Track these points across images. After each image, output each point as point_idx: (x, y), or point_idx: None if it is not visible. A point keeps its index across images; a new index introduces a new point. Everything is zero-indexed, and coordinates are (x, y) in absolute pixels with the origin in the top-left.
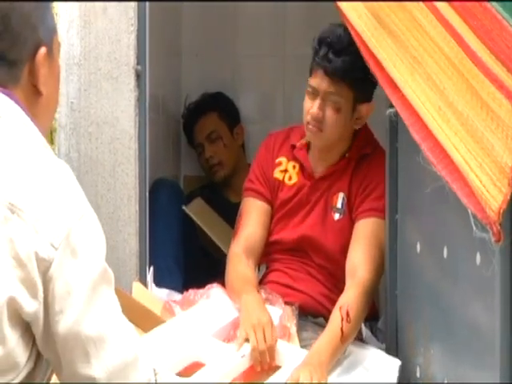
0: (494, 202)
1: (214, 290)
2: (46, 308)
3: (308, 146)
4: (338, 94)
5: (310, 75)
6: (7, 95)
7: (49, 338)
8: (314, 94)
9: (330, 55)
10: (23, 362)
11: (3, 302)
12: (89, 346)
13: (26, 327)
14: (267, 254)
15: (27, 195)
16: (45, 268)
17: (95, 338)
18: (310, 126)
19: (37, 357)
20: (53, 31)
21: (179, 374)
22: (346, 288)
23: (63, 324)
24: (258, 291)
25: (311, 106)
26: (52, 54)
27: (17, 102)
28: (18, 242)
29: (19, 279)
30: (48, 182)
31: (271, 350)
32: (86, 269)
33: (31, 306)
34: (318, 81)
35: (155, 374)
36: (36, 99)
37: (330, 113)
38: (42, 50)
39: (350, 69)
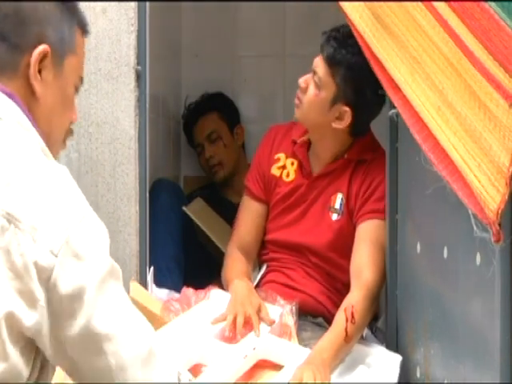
0: (493, 202)
1: (214, 291)
2: (54, 316)
3: (309, 143)
4: (323, 74)
5: None
6: (9, 96)
7: (59, 345)
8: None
9: (331, 41)
10: (27, 374)
11: (1, 317)
12: (103, 343)
13: (27, 339)
14: (265, 253)
15: (24, 204)
16: (46, 276)
17: (109, 335)
18: (295, 99)
19: (41, 368)
20: (66, 45)
21: None
22: (351, 289)
23: (76, 326)
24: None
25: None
26: (61, 69)
27: (18, 103)
28: (14, 252)
29: (17, 291)
30: (45, 190)
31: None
32: (92, 269)
33: (30, 319)
34: (317, 59)
35: (178, 375)
36: (33, 98)
37: (311, 88)
38: (42, 47)
39: (338, 61)
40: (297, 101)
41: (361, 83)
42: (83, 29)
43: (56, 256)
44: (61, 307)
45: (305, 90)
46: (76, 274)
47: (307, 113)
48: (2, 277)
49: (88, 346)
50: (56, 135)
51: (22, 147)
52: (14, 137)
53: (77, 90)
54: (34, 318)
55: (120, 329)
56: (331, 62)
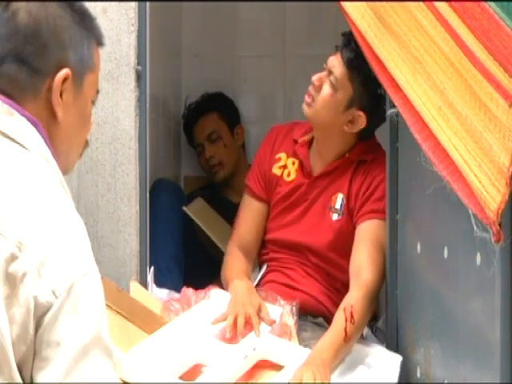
0: (493, 202)
1: (214, 291)
2: (34, 353)
3: (310, 143)
4: (340, 75)
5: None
6: (34, 125)
7: None
8: (325, 69)
9: (351, 44)
10: None
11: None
12: None
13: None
14: (265, 253)
15: (37, 238)
16: (41, 313)
17: None
18: (306, 96)
19: None
20: (86, 66)
21: (181, 377)
22: (350, 289)
23: (45, 374)
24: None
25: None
26: (81, 89)
27: (41, 133)
28: (18, 281)
29: (12, 321)
30: (61, 230)
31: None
32: (81, 327)
33: (19, 350)
34: (333, 58)
35: None
36: (54, 121)
37: (326, 87)
38: (64, 71)
39: (358, 65)
40: (308, 99)
41: (378, 89)
42: (99, 41)
43: (57, 297)
44: (40, 347)
45: (318, 89)
46: (65, 326)
47: (320, 112)
48: (5, 305)
49: None
50: (74, 153)
51: (44, 181)
52: (37, 169)
53: (93, 103)
54: (21, 351)
55: None
56: (350, 65)
